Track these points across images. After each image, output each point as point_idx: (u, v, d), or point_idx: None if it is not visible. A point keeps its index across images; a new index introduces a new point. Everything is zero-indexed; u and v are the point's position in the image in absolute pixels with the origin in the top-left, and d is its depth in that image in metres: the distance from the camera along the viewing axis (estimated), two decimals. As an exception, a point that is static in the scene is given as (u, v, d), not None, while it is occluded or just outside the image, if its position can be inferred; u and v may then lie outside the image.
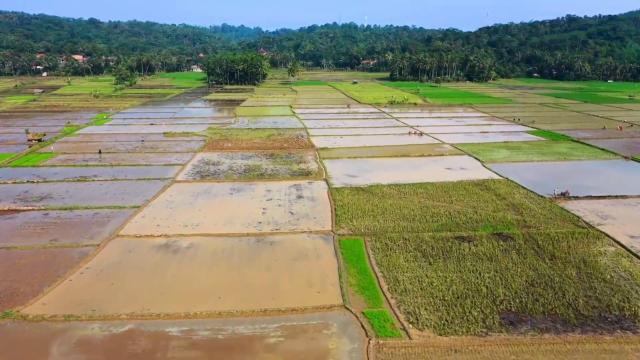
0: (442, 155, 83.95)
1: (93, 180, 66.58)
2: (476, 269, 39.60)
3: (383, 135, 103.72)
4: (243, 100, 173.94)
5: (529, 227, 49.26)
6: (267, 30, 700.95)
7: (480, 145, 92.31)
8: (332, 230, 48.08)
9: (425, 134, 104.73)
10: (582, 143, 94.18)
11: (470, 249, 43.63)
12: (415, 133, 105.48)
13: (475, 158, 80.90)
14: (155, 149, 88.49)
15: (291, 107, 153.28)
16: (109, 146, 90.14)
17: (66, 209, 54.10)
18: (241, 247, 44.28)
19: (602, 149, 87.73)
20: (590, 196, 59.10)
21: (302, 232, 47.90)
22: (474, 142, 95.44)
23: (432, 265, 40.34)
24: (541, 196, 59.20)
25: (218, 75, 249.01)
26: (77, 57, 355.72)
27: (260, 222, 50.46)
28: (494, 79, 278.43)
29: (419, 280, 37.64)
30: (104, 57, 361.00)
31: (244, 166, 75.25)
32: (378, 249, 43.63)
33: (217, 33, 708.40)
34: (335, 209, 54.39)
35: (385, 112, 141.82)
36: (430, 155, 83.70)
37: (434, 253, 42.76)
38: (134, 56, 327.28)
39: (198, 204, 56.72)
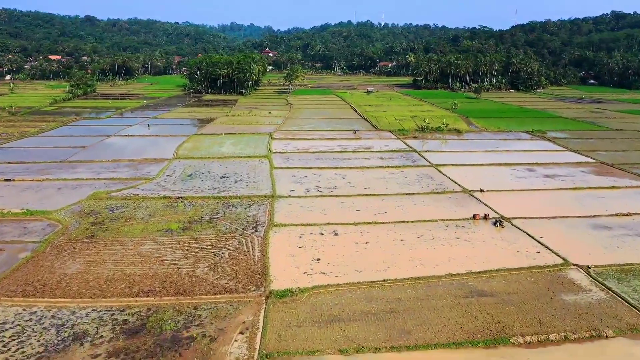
0: (599, 336, 31.25)
1: None
2: None
3: (420, 223, 51.05)
4: (210, 121, 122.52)
5: None
6: (279, 30, 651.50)
7: (657, 275, 39.53)
8: None
9: (507, 219, 52.09)
10: None
11: None
12: (487, 219, 52.62)
13: None
14: None
15: (271, 135, 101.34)
16: None
17: None
18: None
19: None
20: None
21: None
22: (631, 260, 42.66)
23: None
24: None
25: (197, 82, 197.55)
26: (54, 57, 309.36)
27: None
28: (544, 87, 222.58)
29: None
30: (85, 58, 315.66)
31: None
32: None
33: (225, 32, 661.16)
34: None
35: (415, 151, 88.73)
36: (568, 337, 30.99)
37: None
38: (108, 57, 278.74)
39: None
